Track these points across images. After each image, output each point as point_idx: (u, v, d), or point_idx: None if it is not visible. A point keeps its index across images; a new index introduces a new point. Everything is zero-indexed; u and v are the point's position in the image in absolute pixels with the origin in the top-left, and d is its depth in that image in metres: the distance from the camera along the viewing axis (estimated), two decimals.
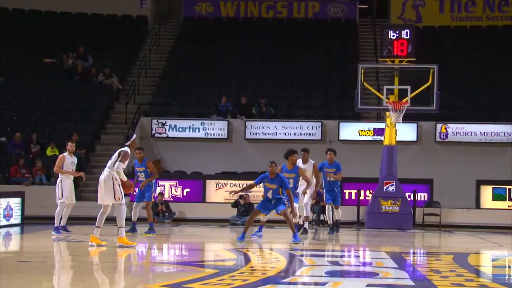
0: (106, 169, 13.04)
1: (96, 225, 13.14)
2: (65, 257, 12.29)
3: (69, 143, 16.33)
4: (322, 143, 25.15)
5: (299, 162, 16.24)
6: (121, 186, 12.96)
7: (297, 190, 15.59)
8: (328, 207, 17.40)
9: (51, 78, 28.58)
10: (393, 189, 20.84)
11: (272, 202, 14.65)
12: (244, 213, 21.12)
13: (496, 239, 17.70)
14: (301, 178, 15.58)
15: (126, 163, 13.07)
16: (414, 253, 14.31)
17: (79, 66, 28.89)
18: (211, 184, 23.15)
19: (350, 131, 25.92)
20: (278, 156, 21.71)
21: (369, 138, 25.50)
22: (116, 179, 12.89)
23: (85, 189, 23.04)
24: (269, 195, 14.63)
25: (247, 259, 11.69)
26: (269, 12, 33.61)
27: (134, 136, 13.50)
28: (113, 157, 13.06)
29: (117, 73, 28.92)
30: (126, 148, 13.04)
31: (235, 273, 9.54)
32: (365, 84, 21.52)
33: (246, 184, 16.26)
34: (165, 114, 26.66)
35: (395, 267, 10.94)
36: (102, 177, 13.04)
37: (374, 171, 21.88)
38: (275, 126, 25.91)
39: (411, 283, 9.18)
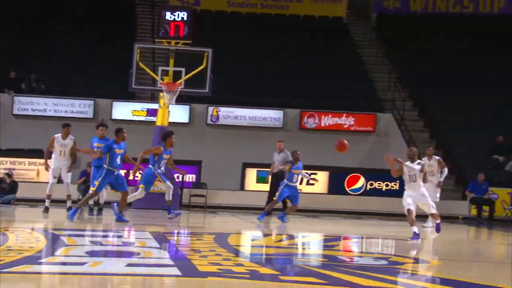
0: None
1: None
2: None
3: None
4: (94, 122, 24.78)
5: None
6: None
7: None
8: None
9: None
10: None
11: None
12: (9, 192, 20.32)
13: (256, 220, 18.44)
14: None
15: None
16: (177, 233, 14.51)
17: None
18: None
19: (123, 110, 25.79)
20: (47, 133, 21.21)
21: (142, 118, 25.52)
22: None
23: None
24: (118, 160, 14.87)
25: (5, 239, 11.26)
26: None
27: None
28: None
29: None
30: None
31: None
32: (140, 64, 21.48)
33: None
34: None
35: (157, 247, 11.02)
36: None
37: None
38: (45, 103, 25.20)
39: (170, 262, 9.31)
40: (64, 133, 16.46)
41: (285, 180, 17.61)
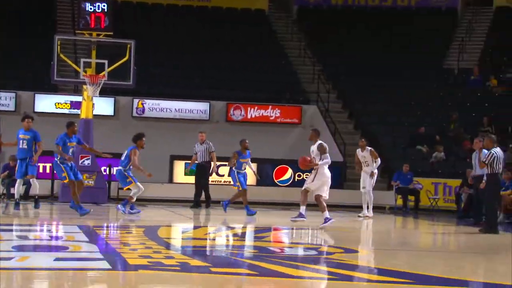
0: None
1: None
2: None
3: None
4: (17, 115, 24.29)
5: None
6: None
7: None
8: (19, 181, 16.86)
9: None
10: (88, 163, 20.77)
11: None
12: None
13: (185, 212, 18.41)
14: None
15: None
16: (107, 226, 14.37)
17: None
18: None
19: (46, 103, 25.36)
20: None
21: (66, 111, 25.12)
22: None
23: None
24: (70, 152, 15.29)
25: None
26: None
27: None
28: None
29: None
30: None
31: None
32: (61, 56, 21.09)
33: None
34: None
35: (86, 241, 10.91)
36: None
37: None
38: None
39: (100, 256, 9.21)
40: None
41: (234, 169, 17.75)
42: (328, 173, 14.04)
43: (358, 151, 18.73)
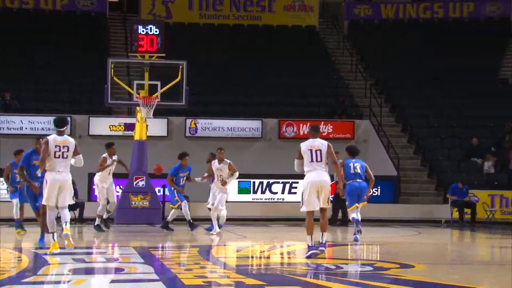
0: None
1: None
2: None
3: None
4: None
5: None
6: None
7: None
8: None
9: None
10: (143, 184, 20.89)
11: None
12: None
13: (240, 230, 18.37)
14: None
15: None
16: (162, 247, 14.44)
17: None
18: None
19: (100, 126, 25.60)
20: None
21: (120, 133, 25.32)
22: None
23: None
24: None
25: None
26: (14, 2, 32.21)
27: None
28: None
29: None
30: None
31: None
32: (115, 78, 21.34)
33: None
34: None
35: (142, 262, 10.96)
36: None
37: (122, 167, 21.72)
38: (21, 121, 24.90)
39: (155, 277, 9.25)
40: (109, 152, 17.38)
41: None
42: None
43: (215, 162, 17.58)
